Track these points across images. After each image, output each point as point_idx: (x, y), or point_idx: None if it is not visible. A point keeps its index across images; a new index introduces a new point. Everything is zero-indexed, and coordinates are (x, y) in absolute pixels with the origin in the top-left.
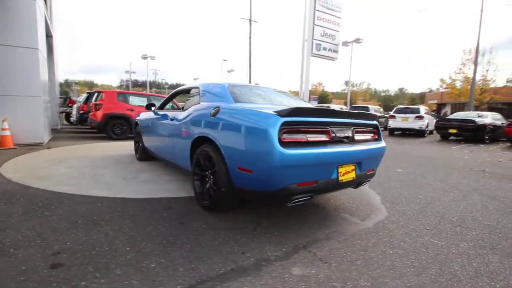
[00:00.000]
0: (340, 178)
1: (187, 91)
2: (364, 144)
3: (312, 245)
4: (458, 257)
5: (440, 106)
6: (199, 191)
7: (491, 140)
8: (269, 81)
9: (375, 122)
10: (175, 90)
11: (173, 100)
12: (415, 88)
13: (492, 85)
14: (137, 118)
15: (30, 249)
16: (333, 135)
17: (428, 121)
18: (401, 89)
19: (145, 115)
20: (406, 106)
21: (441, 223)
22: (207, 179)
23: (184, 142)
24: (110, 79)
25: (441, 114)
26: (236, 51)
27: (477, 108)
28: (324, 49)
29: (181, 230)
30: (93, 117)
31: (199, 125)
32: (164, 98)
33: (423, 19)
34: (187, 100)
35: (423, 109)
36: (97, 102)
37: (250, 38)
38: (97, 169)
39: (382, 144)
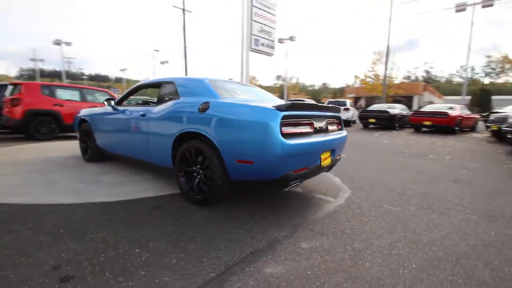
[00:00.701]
0: (322, 163)
1: (155, 85)
2: (334, 134)
3: (306, 223)
4: (412, 217)
5: (357, 99)
6: (187, 188)
7: (400, 127)
8: (207, 74)
9: (339, 114)
10: (138, 84)
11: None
12: (335, 83)
13: (396, 81)
14: (82, 114)
15: (21, 268)
16: (315, 126)
17: (353, 112)
18: (324, 84)
19: (96, 110)
20: (336, 100)
21: (391, 194)
22: (194, 174)
23: (163, 139)
24: (5, 68)
25: (357, 106)
26: (170, 41)
27: (384, 101)
28: (262, 44)
29: (181, 226)
30: (9, 114)
31: (184, 120)
32: (124, 93)
33: (344, 22)
34: (160, 95)
35: (348, 102)
36: (15, 97)
37: (184, 28)
38: (45, 174)
39: (345, 133)
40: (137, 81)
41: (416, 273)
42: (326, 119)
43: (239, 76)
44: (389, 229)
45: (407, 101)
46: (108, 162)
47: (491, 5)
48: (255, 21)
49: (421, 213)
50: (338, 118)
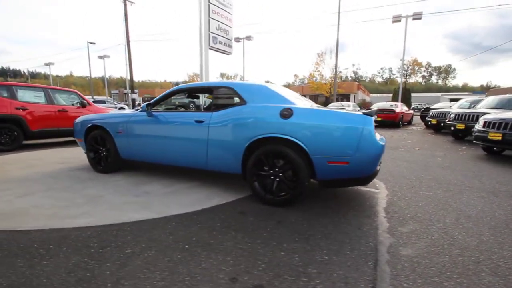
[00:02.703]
0: None
1: (202, 90)
2: None
3: (383, 212)
4: (447, 199)
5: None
6: (264, 191)
7: None
8: (156, 72)
9: None
10: (176, 88)
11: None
12: (278, 81)
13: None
14: (92, 120)
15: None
16: None
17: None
18: (267, 81)
19: (118, 116)
20: None
21: (412, 182)
22: (272, 177)
23: (233, 145)
24: None
25: None
26: (110, 33)
27: (327, 99)
28: (220, 43)
29: (290, 227)
30: None
31: (261, 126)
32: (158, 96)
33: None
34: (215, 100)
35: None
36: None
37: (126, 20)
38: (73, 192)
39: None
40: (66, 76)
41: (489, 237)
42: None
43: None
44: (444, 209)
45: (345, 99)
46: (128, 171)
47: (420, 18)
48: (212, 18)
49: (448, 194)
50: None
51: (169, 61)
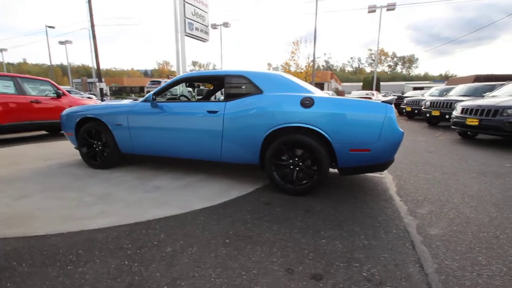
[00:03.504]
0: None
1: (211, 79)
2: None
3: (396, 196)
4: (445, 180)
5: None
6: (283, 180)
7: None
8: (123, 59)
9: None
10: (183, 76)
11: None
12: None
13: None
14: (84, 112)
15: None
16: None
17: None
18: None
19: (117, 106)
20: None
21: (408, 166)
22: (292, 167)
23: (251, 136)
24: None
25: None
26: (69, 17)
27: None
28: (196, 29)
29: (318, 215)
30: None
31: (280, 116)
32: (163, 85)
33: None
34: (228, 90)
35: None
36: None
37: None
38: (77, 191)
39: None
40: (19, 64)
41: (496, 214)
42: None
43: (175, 62)
44: (447, 190)
45: (319, 87)
46: (123, 167)
47: (393, 9)
48: (188, 2)
49: (446, 177)
50: None
51: (136, 48)
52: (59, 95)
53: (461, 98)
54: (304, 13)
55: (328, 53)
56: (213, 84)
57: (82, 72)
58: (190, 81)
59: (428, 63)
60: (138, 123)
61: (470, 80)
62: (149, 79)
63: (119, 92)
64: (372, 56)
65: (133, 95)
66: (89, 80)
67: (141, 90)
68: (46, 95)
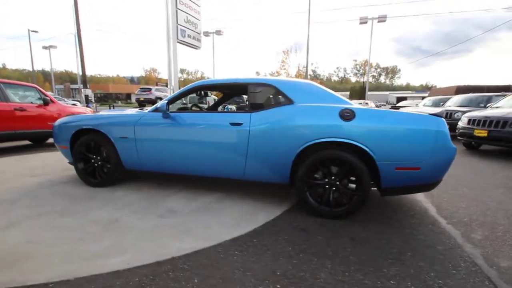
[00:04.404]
0: None
1: (238, 88)
2: None
3: (438, 217)
4: (474, 195)
5: None
6: (317, 201)
7: None
8: (108, 66)
9: None
10: (198, 84)
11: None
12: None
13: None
14: (84, 121)
15: None
16: None
17: None
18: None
19: (119, 116)
20: None
21: (445, 179)
22: (327, 186)
23: (282, 151)
24: None
25: None
26: (53, 22)
27: None
28: (189, 36)
29: (366, 246)
30: None
31: (317, 129)
32: (176, 93)
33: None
34: (254, 99)
35: None
36: None
37: (76, 5)
38: (77, 217)
39: None
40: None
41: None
42: None
43: (167, 69)
44: (487, 209)
45: None
46: (123, 184)
47: (384, 21)
48: (180, 10)
49: (476, 192)
50: None
51: (121, 54)
52: (46, 102)
53: (458, 108)
54: (292, 23)
55: (315, 62)
56: (226, 93)
57: (65, 78)
58: (206, 89)
59: (410, 74)
60: (148, 136)
61: (452, 90)
62: (136, 86)
63: (104, 99)
64: (357, 66)
65: (119, 102)
66: (73, 86)
67: (127, 97)
68: (31, 102)
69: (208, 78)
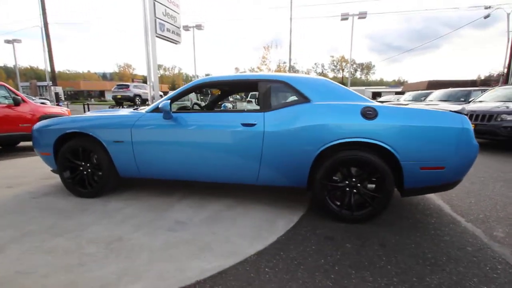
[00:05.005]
0: None
1: (247, 85)
2: None
3: (455, 215)
4: (482, 190)
5: None
6: (337, 205)
7: None
8: (76, 61)
9: None
10: (202, 81)
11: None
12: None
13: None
14: (70, 123)
15: None
16: None
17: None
18: (208, 75)
19: (113, 118)
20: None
21: None
22: (348, 189)
23: (298, 152)
24: None
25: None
26: (18, 14)
27: None
28: (168, 30)
29: (396, 254)
30: None
31: (337, 129)
32: (177, 91)
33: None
34: (267, 98)
35: None
36: None
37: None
38: (75, 237)
39: None
40: None
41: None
42: None
43: (145, 65)
44: (497, 204)
45: None
46: (114, 193)
47: (364, 17)
48: (158, 2)
49: (478, 187)
50: None
51: (93, 49)
52: (17, 102)
53: (441, 103)
54: (269, 19)
55: (294, 58)
56: (223, 91)
57: (30, 75)
58: (211, 86)
59: (383, 70)
60: (148, 139)
61: (424, 85)
62: (110, 82)
63: (75, 96)
64: (334, 62)
65: (92, 100)
66: (40, 83)
67: (101, 95)
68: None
69: (197, 76)
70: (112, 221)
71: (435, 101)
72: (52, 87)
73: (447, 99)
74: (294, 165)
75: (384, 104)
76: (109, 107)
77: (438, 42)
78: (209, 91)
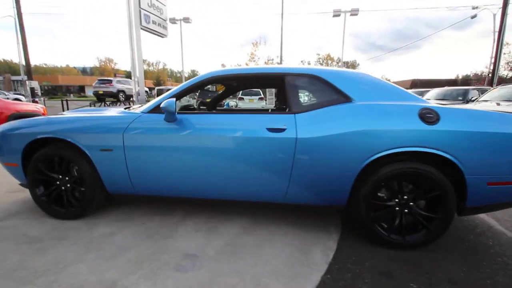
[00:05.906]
0: None
1: (270, 79)
2: None
3: (492, 223)
4: None
5: None
6: (384, 229)
7: None
8: (54, 54)
9: None
10: (211, 74)
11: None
12: (204, 70)
13: None
14: (43, 127)
15: None
16: None
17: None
18: (193, 71)
19: (101, 119)
20: (250, 90)
21: None
22: (397, 208)
23: (339, 165)
24: None
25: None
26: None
27: None
28: (154, 22)
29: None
30: None
31: (391, 136)
32: (181, 86)
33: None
34: (292, 96)
35: (260, 92)
36: None
37: None
38: (52, 282)
39: None
40: None
41: None
42: None
43: (130, 59)
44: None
45: None
46: (102, 211)
47: (356, 14)
48: None
49: None
50: None
51: (71, 42)
52: None
53: (438, 102)
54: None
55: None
56: (230, 87)
57: (4, 68)
58: (222, 80)
59: (367, 68)
60: (145, 148)
61: (408, 84)
62: (90, 77)
63: (53, 92)
64: (320, 60)
65: (71, 95)
66: (14, 77)
67: (80, 90)
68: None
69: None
70: (100, 255)
71: (432, 100)
72: (27, 82)
73: (444, 98)
74: (333, 180)
75: (443, 105)
76: (90, 104)
77: (419, 42)
78: (209, 88)
